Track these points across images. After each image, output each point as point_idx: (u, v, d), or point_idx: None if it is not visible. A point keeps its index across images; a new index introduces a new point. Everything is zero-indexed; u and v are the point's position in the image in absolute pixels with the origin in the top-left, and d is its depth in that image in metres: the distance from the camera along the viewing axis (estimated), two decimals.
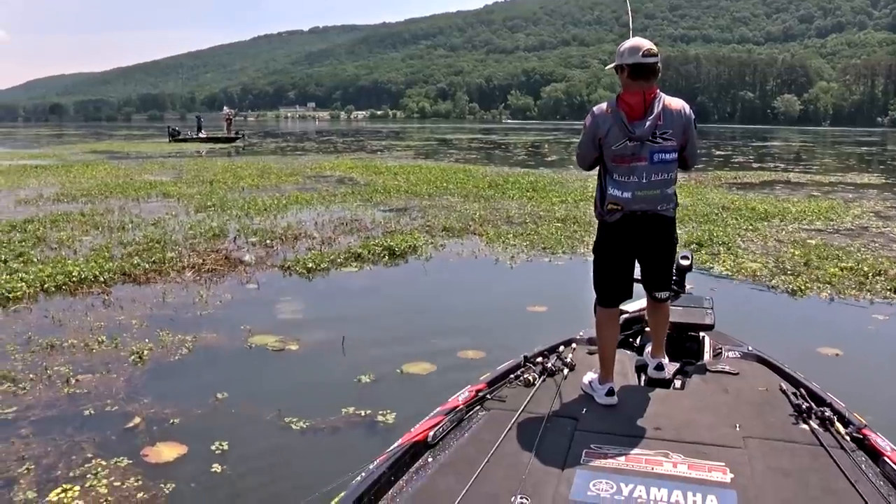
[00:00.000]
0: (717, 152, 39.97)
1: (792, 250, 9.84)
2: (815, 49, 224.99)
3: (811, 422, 3.24)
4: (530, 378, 3.67)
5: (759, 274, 8.64)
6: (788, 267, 8.90)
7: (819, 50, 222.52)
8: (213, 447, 4.29)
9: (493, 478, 2.77)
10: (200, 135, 46.91)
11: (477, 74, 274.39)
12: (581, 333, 4.46)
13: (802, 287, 8.00)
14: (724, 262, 9.23)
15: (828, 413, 3.26)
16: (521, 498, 2.62)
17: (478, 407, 3.45)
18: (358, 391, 5.18)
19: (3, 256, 9.30)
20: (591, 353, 4.06)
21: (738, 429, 3.19)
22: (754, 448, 3.02)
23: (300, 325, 6.75)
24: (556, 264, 9.11)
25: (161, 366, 5.66)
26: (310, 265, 8.87)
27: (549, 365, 3.84)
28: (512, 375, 3.76)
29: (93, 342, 6.11)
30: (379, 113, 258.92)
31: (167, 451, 4.27)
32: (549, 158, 35.18)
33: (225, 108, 62.37)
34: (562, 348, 4.14)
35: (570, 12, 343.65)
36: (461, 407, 3.36)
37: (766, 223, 12.22)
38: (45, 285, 7.89)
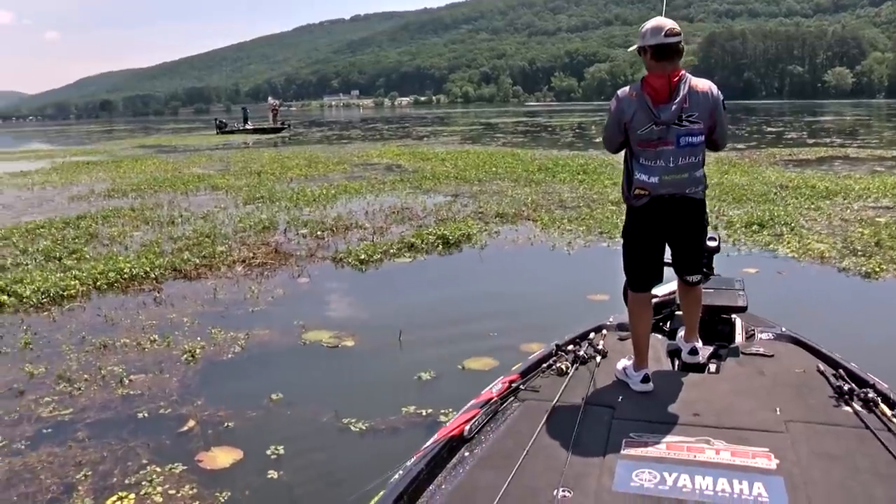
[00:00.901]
0: (769, 129, 38.99)
1: (860, 230, 9.38)
2: (868, 19, 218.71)
3: (854, 403, 3.12)
4: (563, 367, 3.62)
5: (827, 255, 8.23)
6: (858, 248, 8.47)
7: (873, 19, 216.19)
8: (268, 452, 4.13)
9: (533, 471, 2.70)
10: (247, 126, 47.29)
11: (520, 57, 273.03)
12: (611, 319, 4.38)
13: (877, 269, 7.57)
14: (788, 243, 8.83)
15: (871, 394, 3.14)
16: (563, 491, 2.55)
17: (512, 398, 3.38)
18: (418, 389, 4.98)
19: (57, 254, 9.33)
20: (622, 339, 3.99)
21: (778, 412, 3.09)
22: (797, 432, 2.91)
23: (355, 320, 6.58)
24: (614, 249, 8.76)
25: (214, 365, 5.53)
26: (362, 257, 8.69)
27: (581, 353, 3.76)
28: (544, 365, 3.70)
29: (145, 341, 6.01)
30: (423, 99, 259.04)
31: (222, 457, 4.12)
32: (597, 140, 34.57)
33: (270, 98, 62.75)
34: (592, 335, 4.05)
35: None
36: (495, 399, 3.30)
37: (828, 201, 11.71)
38: (98, 283, 7.85)
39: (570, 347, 3.86)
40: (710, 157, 13.02)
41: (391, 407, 4.61)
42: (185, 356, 5.64)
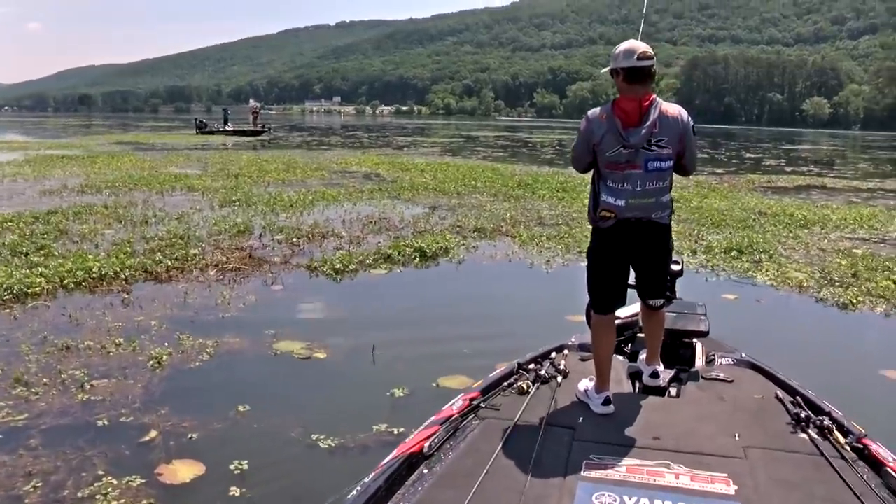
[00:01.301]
0: (748, 155, 39.39)
1: (838, 260, 9.39)
2: (846, 51, 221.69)
3: (810, 431, 3.20)
4: (524, 386, 3.60)
5: (805, 285, 8.21)
6: (836, 278, 8.46)
7: (851, 52, 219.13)
8: (232, 466, 3.97)
9: (493, 491, 2.70)
10: (227, 127, 46.87)
11: (503, 72, 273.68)
12: (573, 339, 4.39)
13: (854, 300, 7.56)
14: (767, 271, 8.80)
15: (826, 422, 3.22)
16: None
17: (472, 416, 3.37)
18: (391, 406, 4.84)
19: (24, 249, 9.07)
20: (583, 360, 4.02)
21: (737, 438, 3.14)
22: (755, 458, 2.97)
23: (328, 331, 6.39)
24: None
25: (180, 373, 5.35)
26: (338, 266, 8.52)
27: (543, 372, 3.76)
28: (505, 383, 3.68)
29: (110, 344, 5.81)
30: (404, 108, 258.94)
31: (183, 471, 3.95)
32: None
33: (251, 100, 62.24)
34: (554, 354, 4.09)
35: (598, 10, 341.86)
36: (456, 416, 3.29)
37: (806, 230, 11.74)
38: (65, 281, 7.61)
39: (532, 366, 3.85)
40: (690, 180, 13.10)
41: (362, 424, 4.47)
42: (150, 362, 5.45)
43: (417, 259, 9.14)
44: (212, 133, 46.22)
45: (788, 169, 28.31)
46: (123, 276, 7.89)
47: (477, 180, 18.35)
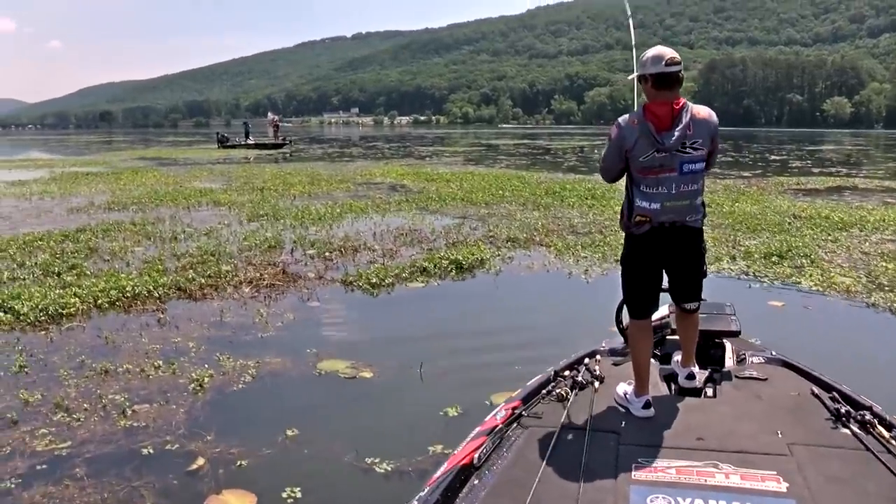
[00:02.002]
0: (772, 157, 38.92)
1: (883, 263, 9.10)
2: (866, 49, 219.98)
3: (851, 426, 3.20)
4: (562, 392, 3.65)
5: (853, 290, 7.94)
6: (885, 282, 8.19)
7: (871, 50, 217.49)
8: (284, 495, 3.81)
9: (548, 499, 2.71)
10: (248, 141, 47.09)
11: (520, 79, 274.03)
12: (603, 344, 4.48)
13: None
14: (810, 276, 8.54)
15: (868, 416, 3.22)
16: None
17: (515, 425, 3.40)
18: (445, 426, 4.65)
19: (56, 268, 8.99)
20: (616, 365, 4.09)
21: (780, 435, 3.15)
22: (801, 455, 2.97)
23: (371, 348, 6.22)
24: None
25: (223, 396, 5.19)
26: (373, 280, 8.36)
27: (580, 378, 3.81)
28: (544, 391, 3.73)
29: (149, 367, 5.67)
30: (422, 118, 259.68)
31: (234, 501, 3.79)
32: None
33: (269, 113, 62.45)
34: (587, 360, 4.14)
35: (613, 16, 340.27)
36: (501, 426, 3.31)
37: (845, 233, 11.43)
38: (99, 301, 7.50)
39: (568, 373, 3.91)
40: (718, 185, 12.89)
41: (417, 445, 4.30)
42: (192, 385, 5.30)
43: (454, 271, 8.96)
44: (233, 147, 46.47)
45: (816, 170, 27.86)
46: (157, 295, 7.76)
47: (504, 189, 18.15)
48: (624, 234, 3.72)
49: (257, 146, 45.86)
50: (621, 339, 4.48)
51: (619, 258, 9.15)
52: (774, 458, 2.93)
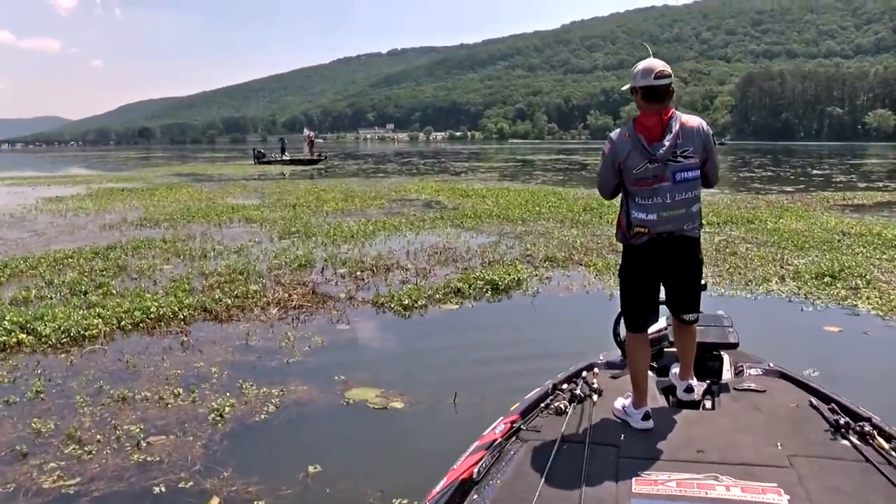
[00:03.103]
0: (814, 171, 38.07)
1: None
2: None
3: (851, 437, 3.20)
4: (561, 406, 3.64)
5: None
6: None
7: None
8: None
9: None
10: (284, 157, 47.33)
11: (555, 94, 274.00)
12: (601, 357, 4.46)
13: None
14: (867, 298, 8.05)
15: (867, 427, 3.22)
16: None
17: (514, 438, 3.38)
18: None
19: (83, 287, 8.80)
20: (614, 378, 4.08)
21: (780, 447, 3.14)
22: (802, 467, 2.96)
23: (403, 375, 5.86)
24: None
25: (244, 427, 4.87)
26: (406, 302, 8.01)
27: (577, 391, 3.79)
28: (542, 404, 3.72)
29: (168, 395, 5.39)
30: (458, 134, 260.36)
31: None
32: None
33: (305, 129, 62.87)
34: (585, 373, 4.12)
35: (649, 30, 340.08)
36: (500, 440, 3.29)
37: None
38: (122, 323, 7.26)
39: (566, 386, 3.90)
40: (760, 200, 12.36)
41: None
42: (211, 415, 5.00)
43: (489, 292, 8.58)
44: (269, 163, 46.76)
45: (862, 185, 27.11)
46: (182, 317, 7.50)
47: (540, 206, 17.76)
48: (622, 246, 3.72)
49: (293, 162, 46.10)
50: (619, 353, 4.48)
51: None
52: (775, 470, 2.92)
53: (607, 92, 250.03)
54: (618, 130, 3.59)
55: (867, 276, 9.00)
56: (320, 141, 68.13)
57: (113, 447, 4.54)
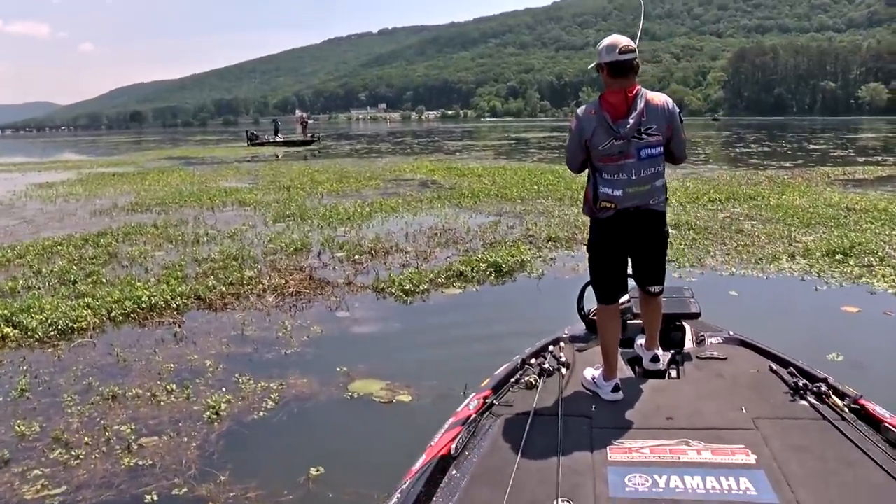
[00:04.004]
0: (811, 146, 37.70)
1: None
2: None
3: (809, 397, 3.38)
4: (531, 380, 3.69)
5: None
6: None
7: None
8: None
9: (528, 485, 2.74)
10: (277, 138, 46.88)
11: (547, 72, 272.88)
12: (566, 331, 4.55)
13: None
14: (883, 276, 7.78)
15: (823, 388, 3.40)
16: (562, 501, 2.59)
17: (487, 413, 3.42)
18: None
19: (72, 276, 8.51)
20: (580, 351, 4.18)
21: (744, 411, 3.28)
22: (766, 428, 3.10)
23: (408, 366, 5.56)
24: (688, 281, 7.81)
25: (241, 426, 4.58)
26: (407, 286, 7.71)
27: (546, 365, 3.85)
28: (513, 379, 3.77)
29: (160, 391, 5.09)
30: (450, 113, 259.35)
31: None
32: None
33: (297, 110, 62.30)
34: (552, 347, 4.18)
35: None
36: (474, 416, 3.33)
37: None
38: (113, 314, 6.97)
39: (534, 361, 3.95)
40: (760, 175, 12.07)
41: None
42: (207, 413, 4.70)
43: (493, 275, 8.29)
44: (262, 144, 46.35)
45: (860, 159, 26.76)
46: (175, 306, 7.21)
47: (538, 184, 17.45)
48: (589, 220, 3.75)
49: (286, 143, 45.67)
50: (583, 326, 4.55)
51: (670, 258, 8.54)
52: (741, 433, 3.05)
53: None
54: (584, 107, 3.64)
55: (879, 253, 8.74)
56: (312, 122, 67.51)
57: (102, 451, 4.26)
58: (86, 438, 4.40)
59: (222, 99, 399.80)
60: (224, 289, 7.76)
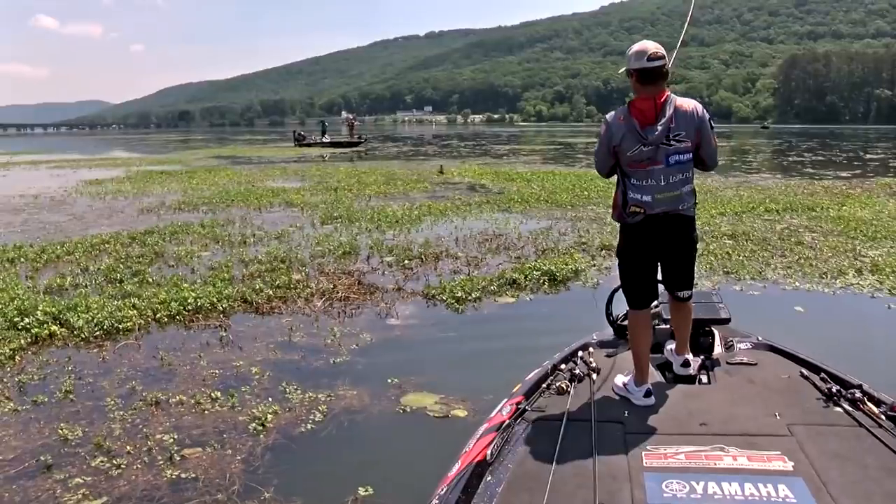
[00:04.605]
0: (869, 156, 36.74)
1: None
2: None
3: (843, 404, 3.29)
4: (562, 385, 3.64)
5: None
6: None
7: None
8: None
9: (566, 491, 2.69)
10: (325, 139, 47.07)
11: (594, 77, 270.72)
12: (594, 337, 4.54)
13: None
14: None
15: (857, 394, 3.33)
16: None
17: (521, 419, 3.38)
18: None
19: (118, 275, 8.44)
20: (609, 356, 4.13)
21: (778, 417, 3.21)
22: (801, 434, 3.03)
23: (463, 379, 5.30)
24: (749, 294, 7.48)
25: (288, 439, 4.38)
26: (458, 294, 7.48)
27: (577, 371, 3.81)
28: (544, 385, 3.72)
29: (205, 399, 4.92)
30: (496, 116, 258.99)
31: None
32: None
33: (343, 112, 62.59)
34: (581, 353, 4.13)
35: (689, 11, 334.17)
36: (508, 421, 3.30)
37: None
38: (158, 315, 6.85)
39: (564, 366, 3.93)
40: (817, 186, 11.61)
41: None
42: (252, 424, 4.51)
43: (546, 284, 8.02)
44: (309, 145, 46.61)
45: None
46: (221, 309, 7.06)
47: (588, 190, 17.14)
48: (619, 226, 3.72)
49: (333, 144, 45.84)
50: (611, 331, 4.57)
51: (729, 270, 8.20)
52: (776, 439, 2.99)
53: None
54: (613, 112, 3.61)
55: None
56: (359, 123, 67.76)
57: (144, 460, 4.09)
58: (128, 447, 4.24)
59: (269, 99, 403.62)
60: (271, 292, 7.60)
